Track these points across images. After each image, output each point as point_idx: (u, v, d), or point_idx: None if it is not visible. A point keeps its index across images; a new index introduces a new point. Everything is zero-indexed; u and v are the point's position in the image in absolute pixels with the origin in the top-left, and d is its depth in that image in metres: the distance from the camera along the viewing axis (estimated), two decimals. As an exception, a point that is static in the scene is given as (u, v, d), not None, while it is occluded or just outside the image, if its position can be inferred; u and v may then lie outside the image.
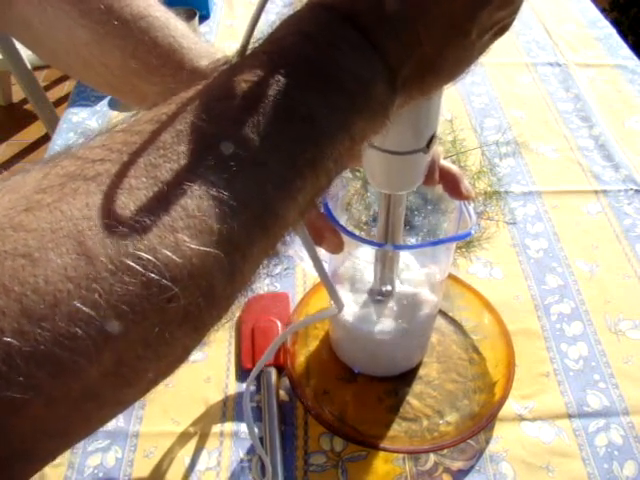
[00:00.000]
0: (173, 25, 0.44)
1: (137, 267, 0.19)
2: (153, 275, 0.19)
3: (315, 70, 0.25)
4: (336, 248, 0.46)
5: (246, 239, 0.22)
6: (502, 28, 0.29)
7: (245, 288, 0.24)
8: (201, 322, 0.22)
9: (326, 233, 0.46)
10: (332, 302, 0.40)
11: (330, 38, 0.25)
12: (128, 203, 0.20)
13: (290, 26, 0.26)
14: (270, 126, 0.23)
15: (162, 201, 0.20)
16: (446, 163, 0.46)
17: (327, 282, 0.38)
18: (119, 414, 0.23)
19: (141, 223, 0.20)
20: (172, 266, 0.20)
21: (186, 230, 0.20)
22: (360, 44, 0.26)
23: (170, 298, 0.20)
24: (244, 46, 0.27)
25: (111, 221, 0.20)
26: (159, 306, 0.20)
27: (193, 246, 0.20)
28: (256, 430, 0.56)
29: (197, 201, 0.21)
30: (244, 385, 0.59)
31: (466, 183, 0.46)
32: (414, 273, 0.56)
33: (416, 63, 0.27)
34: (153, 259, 0.19)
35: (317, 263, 0.37)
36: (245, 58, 0.26)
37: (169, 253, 0.20)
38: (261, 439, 0.55)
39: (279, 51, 0.25)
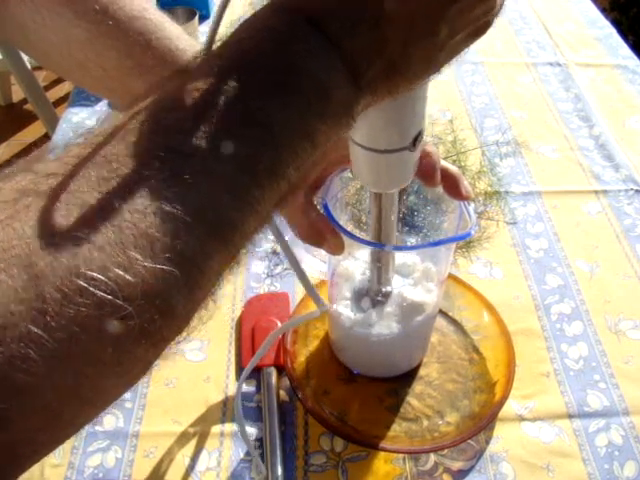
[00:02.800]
0: (168, 28, 0.44)
1: (88, 287, 0.19)
2: (105, 295, 0.19)
3: (272, 74, 0.24)
4: (337, 249, 0.46)
5: (202, 253, 0.22)
6: (479, 28, 0.28)
7: (206, 300, 0.24)
8: (160, 338, 0.22)
9: (327, 234, 0.45)
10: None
11: (289, 40, 0.25)
12: (79, 221, 0.20)
13: (249, 28, 0.25)
14: (223, 134, 0.22)
15: (114, 219, 0.20)
16: (445, 163, 0.46)
17: (306, 283, 0.38)
18: (81, 429, 0.23)
19: (93, 242, 0.19)
20: (124, 285, 0.19)
21: (139, 248, 0.20)
22: (321, 46, 0.25)
23: (124, 317, 0.19)
24: (207, 48, 0.27)
25: (62, 240, 0.19)
26: (113, 325, 0.19)
27: (146, 264, 0.20)
28: (256, 430, 0.56)
29: (150, 218, 0.20)
30: (244, 385, 0.59)
31: (466, 183, 0.46)
32: (414, 274, 0.56)
33: (381, 63, 0.26)
34: (105, 279, 0.19)
35: (292, 260, 0.37)
36: (199, 64, 0.25)
37: (121, 272, 0.19)
38: (261, 439, 0.55)
39: (235, 55, 0.24)
